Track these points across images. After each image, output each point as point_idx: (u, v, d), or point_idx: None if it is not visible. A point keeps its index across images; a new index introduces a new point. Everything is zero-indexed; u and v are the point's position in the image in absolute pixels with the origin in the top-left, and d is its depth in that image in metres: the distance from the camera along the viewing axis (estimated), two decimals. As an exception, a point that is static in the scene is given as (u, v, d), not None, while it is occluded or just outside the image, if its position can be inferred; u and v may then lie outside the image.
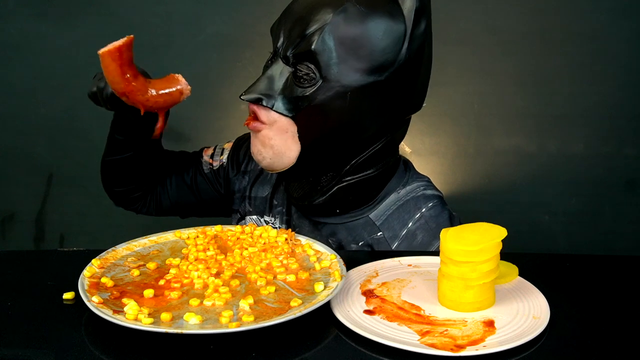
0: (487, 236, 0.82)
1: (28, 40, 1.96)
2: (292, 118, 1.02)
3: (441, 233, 0.84)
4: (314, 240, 0.98)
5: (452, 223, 1.08)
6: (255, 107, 1.04)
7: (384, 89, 1.02)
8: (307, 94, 1.01)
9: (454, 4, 1.88)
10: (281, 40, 1.04)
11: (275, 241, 0.98)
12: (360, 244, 1.09)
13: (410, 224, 1.07)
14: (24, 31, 1.95)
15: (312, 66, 1.00)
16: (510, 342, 0.74)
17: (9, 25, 1.95)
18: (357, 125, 1.03)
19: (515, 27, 1.88)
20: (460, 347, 0.73)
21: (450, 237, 0.82)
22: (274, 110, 1.02)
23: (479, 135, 1.94)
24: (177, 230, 1.03)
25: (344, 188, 1.07)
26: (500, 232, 0.82)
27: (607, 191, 1.94)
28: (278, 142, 1.04)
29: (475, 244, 0.80)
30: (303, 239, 0.99)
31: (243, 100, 1.04)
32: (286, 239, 0.98)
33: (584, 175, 1.93)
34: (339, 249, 1.09)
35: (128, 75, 0.95)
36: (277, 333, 0.76)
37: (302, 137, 1.03)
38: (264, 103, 1.02)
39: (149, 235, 1.01)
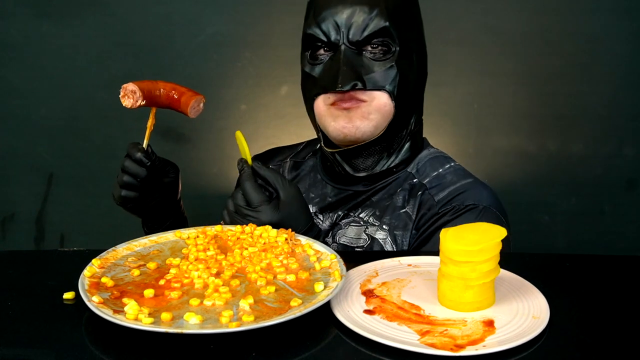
0: (487, 236, 0.82)
1: (28, 40, 1.96)
2: (387, 89, 1.15)
3: (441, 233, 0.84)
4: (314, 240, 0.98)
5: (477, 180, 1.21)
6: (349, 95, 1.14)
7: (423, 45, 1.23)
8: (392, 64, 1.15)
9: (454, 4, 1.88)
10: (336, 30, 1.14)
11: (275, 241, 0.98)
12: (398, 190, 1.21)
13: (441, 170, 1.22)
14: (24, 31, 1.95)
15: (387, 40, 1.14)
16: (510, 341, 0.74)
17: (9, 25, 1.95)
18: (421, 82, 1.23)
19: (515, 27, 1.88)
20: (460, 346, 0.73)
21: (450, 237, 0.82)
22: (369, 89, 1.14)
23: (479, 135, 1.94)
24: (177, 230, 1.03)
25: (410, 144, 1.23)
26: (500, 232, 0.82)
27: (607, 191, 1.94)
28: (377, 115, 1.16)
29: (475, 244, 0.80)
30: (303, 239, 0.99)
31: (340, 90, 1.13)
32: (286, 239, 0.98)
33: (584, 175, 1.93)
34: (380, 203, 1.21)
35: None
36: (277, 333, 0.76)
37: (397, 105, 1.17)
38: (360, 86, 1.14)
39: (149, 235, 1.01)
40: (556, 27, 1.87)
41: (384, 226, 1.18)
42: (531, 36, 1.88)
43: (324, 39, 1.15)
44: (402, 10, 1.16)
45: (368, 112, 1.15)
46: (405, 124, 1.21)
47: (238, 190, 1.07)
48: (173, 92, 1.15)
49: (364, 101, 1.15)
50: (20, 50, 1.96)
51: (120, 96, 1.12)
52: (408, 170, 1.23)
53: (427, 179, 1.20)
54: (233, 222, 1.06)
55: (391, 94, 1.15)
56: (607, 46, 1.87)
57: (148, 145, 1.17)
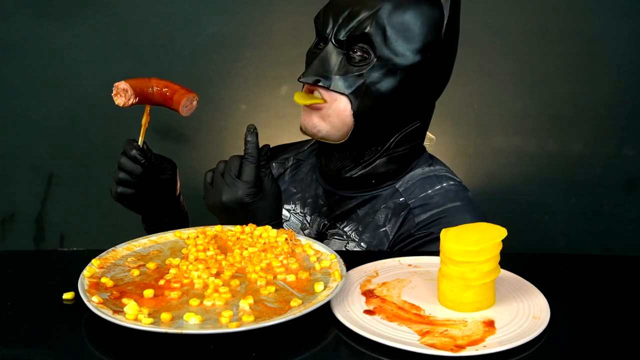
0: (487, 236, 0.82)
1: (28, 40, 1.96)
2: (348, 95, 1.13)
3: (441, 233, 0.84)
4: (314, 240, 0.98)
5: (473, 203, 1.17)
6: (313, 88, 1.15)
7: (426, 69, 1.15)
8: (363, 72, 1.12)
9: (454, 4, 1.88)
10: (331, 26, 1.14)
11: (275, 241, 0.98)
12: (382, 207, 1.19)
13: (430, 191, 1.18)
14: (24, 31, 1.95)
15: (367, 47, 1.12)
16: (510, 342, 0.74)
17: (9, 25, 1.95)
18: (404, 102, 1.16)
19: (515, 27, 1.88)
20: (460, 347, 0.73)
21: (450, 237, 0.82)
22: (331, 90, 1.13)
23: (479, 135, 1.94)
24: (177, 230, 1.03)
25: (384, 162, 1.19)
26: (500, 232, 0.82)
27: (607, 191, 1.94)
28: (335, 119, 1.14)
29: (475, 244, 0.80)
30: (303, 239, 0.99)
31: (302, 82, 1.15)
32: (286, 239, 0.98)
33: (583, 175, 1.93)
34: (365, 215, 1.19)
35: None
36: (277, 333, 0.76)
37: (356, 114, 1.14)
38: (322, 83, 1.13)
39: (149, 235, 1.01)
40: (556, 27, 1.87)
41: (362, 243, 1.18)
42: (531, 36, 1.88)
43: (320, 31, 1.17)
44: (402, 25, 1.12)
45: (327, 115, 1.14)
46: (377, 139, 1.18)
47: (237, 158, 1.08)
48: (166, 89, 1.15)
49: (325, 101, 1.14)
50: (20, 50, 1.96)
51: (112, 94, 1.12)
52: (396, 187, 1.20)
53: (413, 200, 1.17)
54: (211, 184, 1.09)
55: (351, 101, 1.13)
56: (607, 46, 1.87)
57: (144, 142, 1.17)
